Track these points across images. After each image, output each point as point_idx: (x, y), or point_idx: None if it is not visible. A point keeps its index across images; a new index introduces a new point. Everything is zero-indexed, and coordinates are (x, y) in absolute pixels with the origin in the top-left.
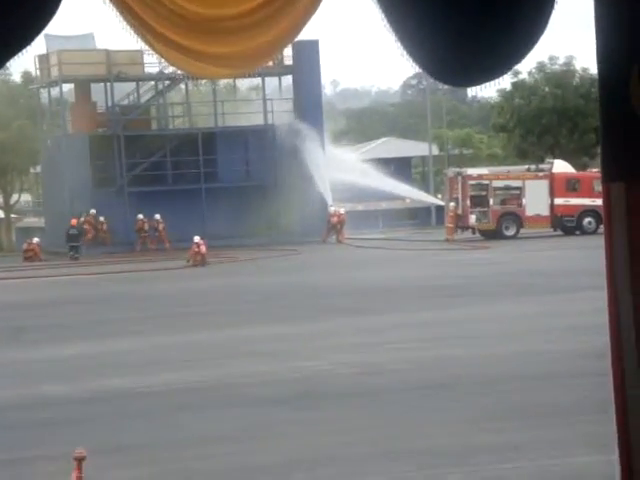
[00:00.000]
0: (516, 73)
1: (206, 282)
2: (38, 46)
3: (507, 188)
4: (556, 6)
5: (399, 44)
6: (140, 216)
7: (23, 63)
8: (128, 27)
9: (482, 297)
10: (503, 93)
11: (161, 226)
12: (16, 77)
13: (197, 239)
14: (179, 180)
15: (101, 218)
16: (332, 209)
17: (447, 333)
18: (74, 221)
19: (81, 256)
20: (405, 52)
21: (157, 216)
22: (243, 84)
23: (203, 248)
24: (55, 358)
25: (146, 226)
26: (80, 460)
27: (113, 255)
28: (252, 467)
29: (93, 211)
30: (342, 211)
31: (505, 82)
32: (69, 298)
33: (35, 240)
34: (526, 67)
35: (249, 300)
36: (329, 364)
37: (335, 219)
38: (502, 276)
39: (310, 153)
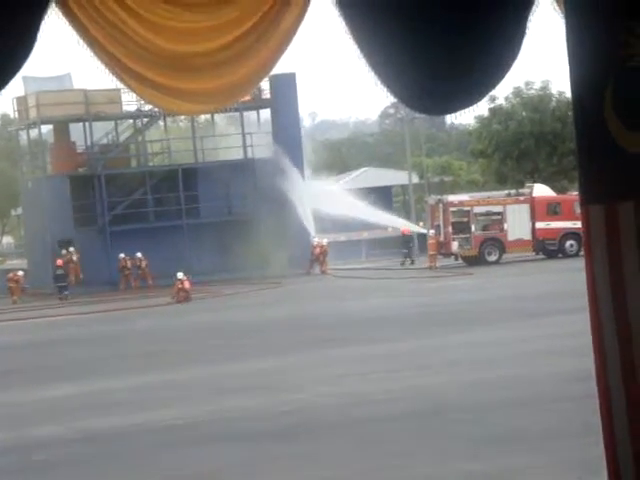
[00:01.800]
0: (493, 99)
1: (190, 318)
2: (16, 88)
3: (488, 214)
4: (529, 31)
5: (373, 74)
6: (122, 255)
7: (1, 106)
8: (102, 65)
9: (467, 324)
10: (481, 119)
11: (144, 263)
12: None
13: (180, 275)
14: (161, 217)
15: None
16: (315, 240)
17: (432, 361)
18: (60, 261)
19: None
20: (379, 81)
21: (139, 254)
22: (222, 119)
23: (187, 284)
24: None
25: (129, 264)
26: None
27: (97, 294)
28: None
29: (72, 249)
30: (325, 242)
31: (482, 108)
32: (56, 339)
33: (20, 273)
34: (503, 93)
35: (233, 335)
36: (314, 396)
37: (318, 250)
38: (485, 302)
39: (291, 186)
